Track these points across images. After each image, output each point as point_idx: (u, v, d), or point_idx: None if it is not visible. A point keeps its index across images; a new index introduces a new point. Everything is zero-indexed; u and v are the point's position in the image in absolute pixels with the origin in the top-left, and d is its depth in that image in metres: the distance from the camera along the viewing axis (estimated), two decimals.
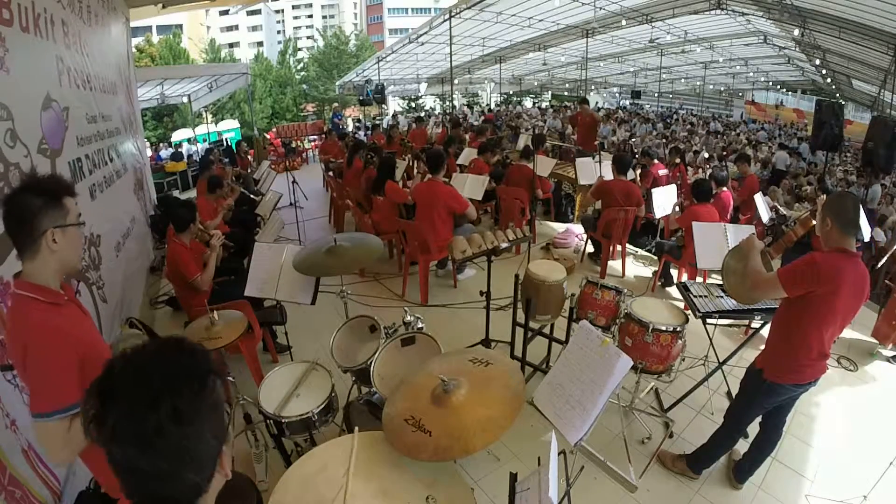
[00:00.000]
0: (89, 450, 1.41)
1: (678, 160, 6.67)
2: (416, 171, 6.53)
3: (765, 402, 2.09)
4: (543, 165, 5.74)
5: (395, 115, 19.80)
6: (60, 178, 1.43)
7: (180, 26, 30.92)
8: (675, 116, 21.85)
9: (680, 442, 2.60)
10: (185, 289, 3.16)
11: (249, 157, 10.49)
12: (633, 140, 14.84)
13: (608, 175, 4.85)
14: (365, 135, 12.43)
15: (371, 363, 2.07)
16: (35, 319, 1.28)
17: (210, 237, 3.24)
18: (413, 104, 28.30)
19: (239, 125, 19.45)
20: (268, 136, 15.00)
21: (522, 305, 2.82)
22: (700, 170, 9.50)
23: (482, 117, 16.52)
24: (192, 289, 3.08)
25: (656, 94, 22.98)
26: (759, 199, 4.91)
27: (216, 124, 18.70)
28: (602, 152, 6.26)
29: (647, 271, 4.83)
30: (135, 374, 0.66)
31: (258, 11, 40.79)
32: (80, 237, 1.40)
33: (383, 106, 19.31)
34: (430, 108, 26.47)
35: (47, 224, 1.28)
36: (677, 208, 4.55)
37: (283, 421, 1.93)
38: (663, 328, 2.43)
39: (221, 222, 4.57)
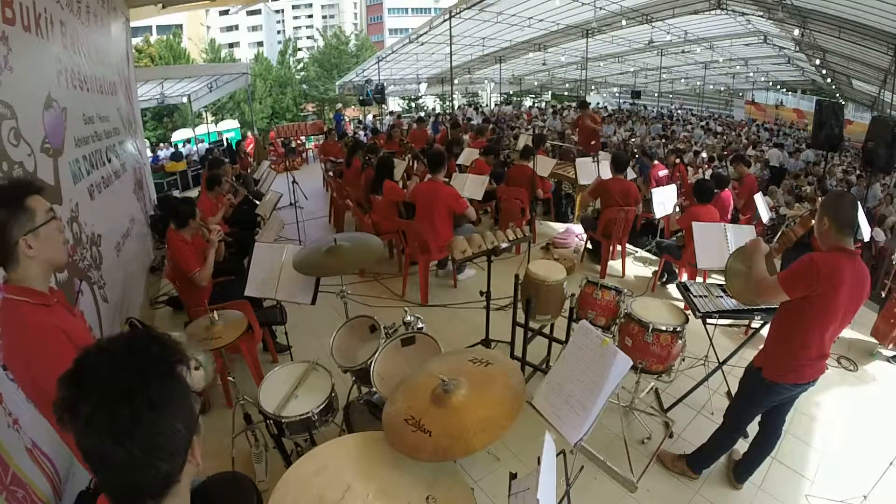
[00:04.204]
0: None
1: (677, 160, 6.67)
2: (415, 171, 6.53)
3: (764, 401, 2.09)
4: (543, 165, 5.74)
5: (392, 113, 19.82)
6: (17, 179, 1.38)
7: (180, 26, 30.92)
8: (674, 117, 21.86)
9: (680, 442, 2.60)
10: (187, 286, 3.16)
11: (249, 157, 10.51)
12: (633, 140, 14.86)
13: (607, 176, 4.85)
14: (365, 135, 12.44)
15: (371, 363, 2.07)
16: (32, 320, 1.29)
17: (210, 233, 3.23)
18: (413, 104, 28.30)
19: (239, 125, 19.46)
20: (269, 137, 15.05)
21: (522, 305, 2.82)
22: (700, 170, 9.50)
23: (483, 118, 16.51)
24: (193, 284, 3.08)
25: (656, 94, 22.99)
26: (759, 200, 4.91)
27: (216, 124, 18.71)
28: (602, 152, 6.26)
29: (647, 271, 4.83)
30: (108, 363, 0.68)
31: (258, 11, 40.78)
32: (56, 230, 1.36)
33: (383, 106, 19.32)
34: (430, 108, 26.46)
35: (17, 234, 1.25)
36: (677, 209, 4.55)
37: (283, 421, 1.93)
38: (663, 328, 2.43)
39: (222, 220, 4.57)
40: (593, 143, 7.60)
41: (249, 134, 14.37)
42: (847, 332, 3.56)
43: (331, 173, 7.26)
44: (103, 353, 0.69)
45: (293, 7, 45.27)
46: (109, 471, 0.68)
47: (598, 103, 27.14)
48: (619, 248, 4.72)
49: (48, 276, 1.39)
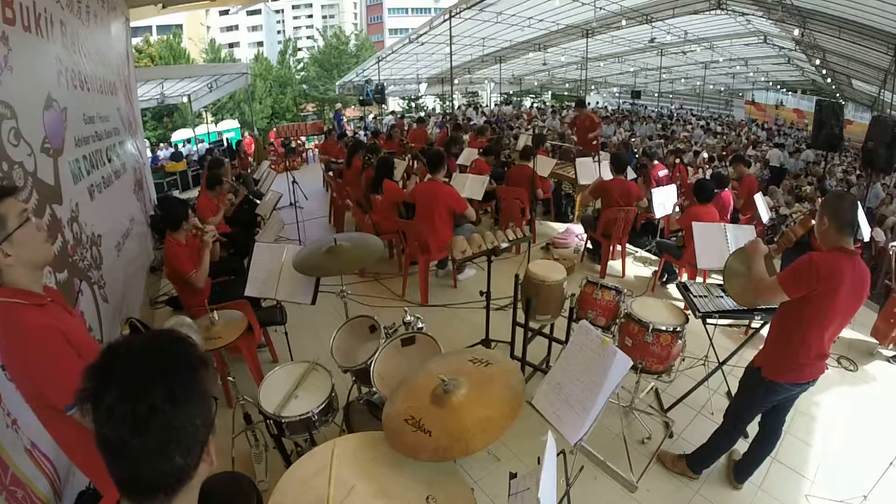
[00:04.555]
0: (79, 447, 1.42)
1: (676, 160, 6.67)
2: (415, 170, 6.53)
3: (763, 400, 2.10)
4: (543, 165, 5.74)
5: (394, 113, 19.81)
6: None
7: (180, 26, 30.91)
8: (674, 117, 21.87)
9: (680, 442, 2.60)
10: (185, 288, 3.16)
11: (249, 157, 10.51)
12: (633, 140, 14.85)
13: (608, 176, 4.85)
14: (365, 135, 12.44)
15: (371, 363, 2.07)
16: (27, 321, 1.28)
17: (204, 233, 3.21)
18: (413, 104, 28.30)
19: (239, 125, 19.46)
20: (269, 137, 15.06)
21: (522, 305, 2.82)
22: (700, 170, 9.49)
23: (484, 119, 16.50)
24: (190, 286, 3.07)
25: (656, 94, 22.99)
26: (759, 200, 4.92)
27: (216, 124, 18.71)
28: (602, 152, 6.26)
29: (647, 271, 4.83)
30: (132, 357, 0.71)
31: (258, 11, 40.79)
32: (33, 231, 1.31)
33: (383, 106, 19.32)
34: (431, 108, 26.47)
35: None
36: (677, 209, 4.55)
37: (283, 421, 1.93)
38: (663, 328, 2.43)
39: (222, 220, 4.57)
40: (594, 142, 7.59)
41: (247, 134, 14.37)
42: (847, 332, 3.56)
43: (331, 173, 7.26)
44: (129, 348, 0.72)
45: (293, 7, 45.28)
46: (125, 461, 0.69)
47: (597, 103, 27.16)
48: (619, 248, 4.73)
49: (38, 276, 1.37)
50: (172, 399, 0.68)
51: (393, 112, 21.16)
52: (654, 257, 5.01)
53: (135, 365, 0.70)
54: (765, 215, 4.95)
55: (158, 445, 0.68)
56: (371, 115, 18.93)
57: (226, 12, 39.43)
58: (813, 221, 2.44)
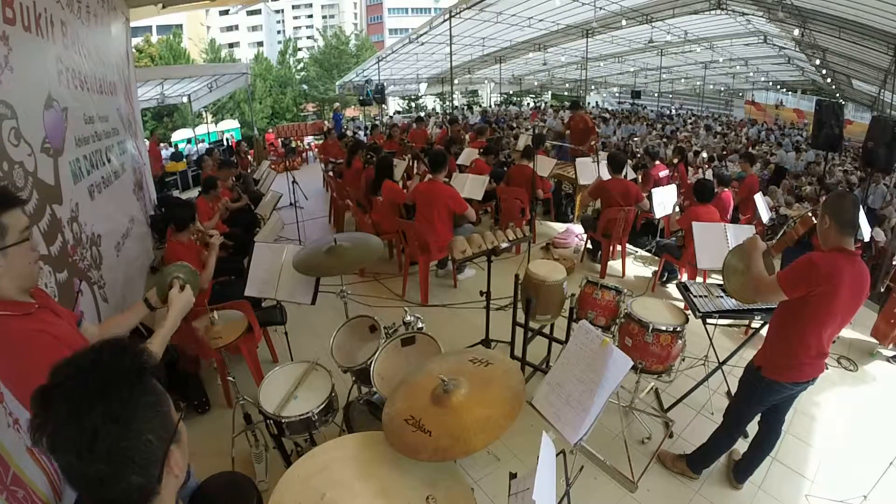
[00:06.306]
0: None
1: (676, 160, 6.67)
2: (415, 171, 6.53)
3: (763, 399, 2.10)
4: (543, 165, 5.74)
5: (399, 113, 19.79)
6: None
7: (180, 26, 30.91)
8: (673, 117, 21.87)
9: (680, 442, 2.60)
10: None
11: (249, 157, 10.52)
12: (634, 140, 14.86)
13: (607, 176, 4.85)
14: (364, 135, 12.45)
15: (371, 363, 2.07)
16: (17, 332, 1.24)
17: (210, 237, 3.22)
18: (413, 104, 28.32)
19: (239, 125, 19.46)
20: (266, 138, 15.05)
21: (522, 305, 2.82)
22: (700, 170, 9.48)
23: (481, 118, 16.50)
24: None
25: (656, 94, 23.00)
26: (760, 199, 4.92)
27: (216, 124, 18.71)
28: (600, 152, 6.26)
29: (647, 271, 4.83)
30: (73, 378, 0.67)
31: (258, 11, 40.79)
32: (26, 251, 1.29)
33: (383, 106, 19.32)
34: (431, 108, 26.48)
35: None
36: (677, 209, 4.54)
37: (283, 421, 1.93)
38: (663, 328, 2.43)
39: (219, 222, 4.57)
40: (593, 143, 7.58)
41: (233, 138, 14.39)
42: (847, 332, 3.56)
43: (331, 173, 7.26)
44: (69, 369, 0.68)
45: (293, 7, 45.26)
46: (83, 486, 0.67)
47: (597, 103, 27.18)
48: (619, 248, 4.73)
49: (24, 292, 1.34)
50: (113, 418, 0.64)
51: (398, 112, 21.14)
52: (654, 257, 5.01)
53: (73, 386, 0.66)
54: (765, 215, 4.95)
55: (109, 468, 0.65)
56: (377, 116, 18.90)
57: (226, 12, 39.43)
58: (814, 220, 2.45)
